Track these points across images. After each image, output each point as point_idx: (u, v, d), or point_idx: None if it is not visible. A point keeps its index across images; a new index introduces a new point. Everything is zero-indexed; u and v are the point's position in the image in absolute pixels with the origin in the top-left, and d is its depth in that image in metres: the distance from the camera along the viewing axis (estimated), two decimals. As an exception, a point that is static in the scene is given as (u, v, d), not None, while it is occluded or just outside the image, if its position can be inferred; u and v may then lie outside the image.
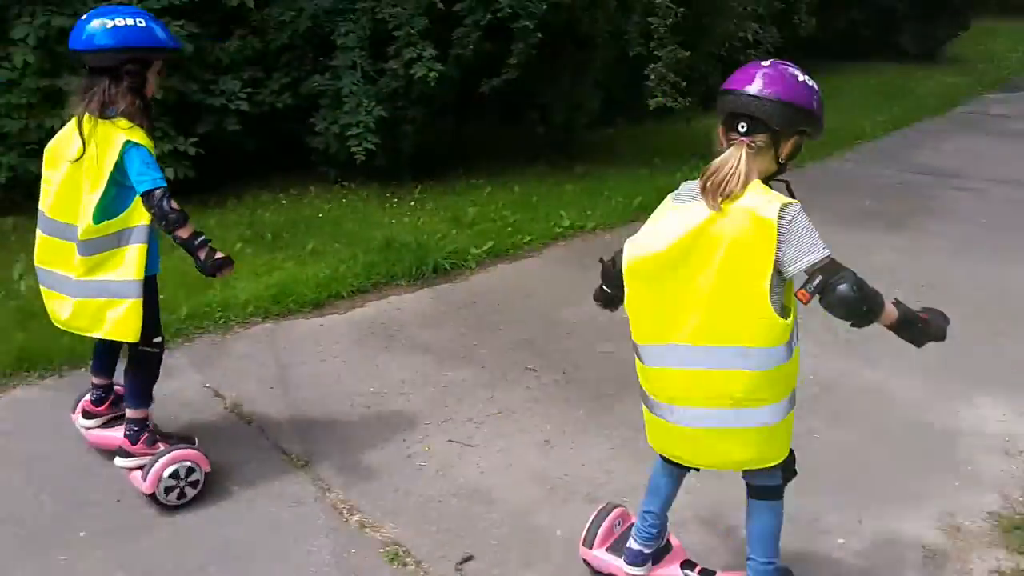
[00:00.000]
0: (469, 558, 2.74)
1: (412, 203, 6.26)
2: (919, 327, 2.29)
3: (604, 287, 2.64)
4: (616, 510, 2.72)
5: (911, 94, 12.84)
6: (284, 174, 6.70)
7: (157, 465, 2.87)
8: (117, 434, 3.10)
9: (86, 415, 3.22)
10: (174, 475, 2.88)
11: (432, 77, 6.02)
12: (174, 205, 2.70)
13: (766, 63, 2.14)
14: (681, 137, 8.50)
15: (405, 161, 6.60)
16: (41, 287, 2.96)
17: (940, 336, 2.34)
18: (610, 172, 7.35)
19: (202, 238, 2.75)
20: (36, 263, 2.94)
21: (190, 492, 2.93)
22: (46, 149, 2.87)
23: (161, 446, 2.99)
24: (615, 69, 7.28)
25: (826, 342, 4.31)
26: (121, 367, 3.14)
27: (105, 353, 3.19)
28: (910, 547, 2.83)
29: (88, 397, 3.23)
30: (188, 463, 2.92)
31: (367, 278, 4.91)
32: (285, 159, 6.72)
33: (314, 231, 5.60)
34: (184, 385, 3.77)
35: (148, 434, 3.02)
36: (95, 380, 3.21)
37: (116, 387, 3.24)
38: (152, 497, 2.90)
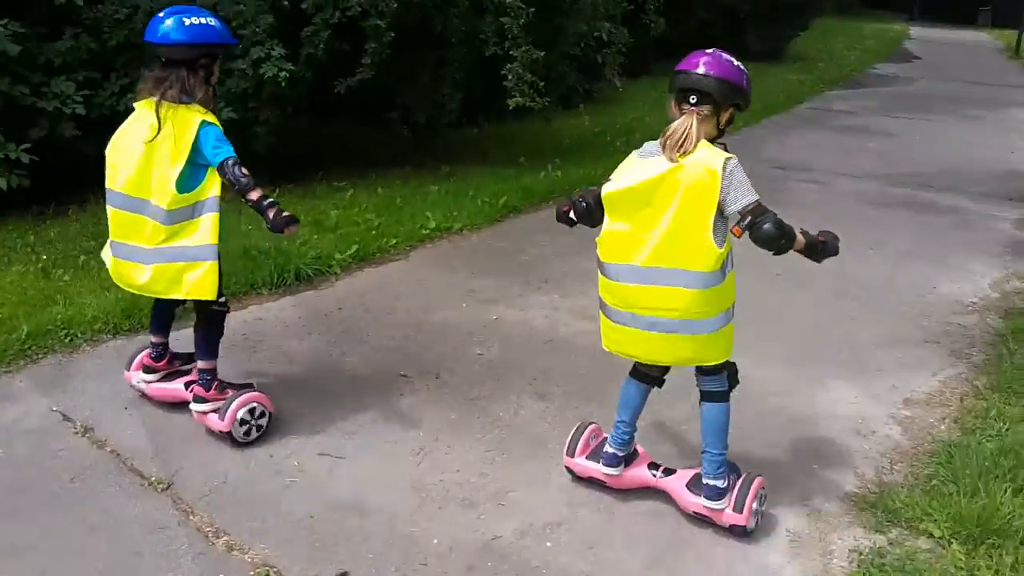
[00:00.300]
0: (344, 574, 2.64)
1: (271, 208, 6.01)
2: (819, 248, 2.89)
3: (578, 220, 2.96)
4: (590, 427, 3.24)
5: (759, 92, 13.39)
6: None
7: (232, 406, 3.27)
8: (177, 386, 3.51)
9: (147, 370, 3.57)
10: (249, 413, 3.30)
11: (283, 77, 5.82)
12: (244, 171, 3.07)
13: (708, 51, 2.71)
14: (544, 136, 8.59)
15: (260, 164, 6.31)
16: (113, 257, 3.27)
17: (835, 252, 2.95)
18: (475, 172, 7.32)
19: (270, 200, 3.10)
20: (112, 237, 3.24)
21: (256, 433, 3.33)
22: (114, 136, 3.18)
23: (229, 392, 3.37)
24: (475, 69, 7.26)
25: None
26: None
27: (162, 315, 3.57)
28: (775, 532, 2.92)
29: (148, 353, 3.57)
30: (257, 404, 3.33)
31: (225, 288, 4.64)
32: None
33: (166, 240, 5.27)
34: (28, 411, 3.49)
35: (218, 382, 3.42)
36: (154, 339, 3.57)
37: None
38: (228, 435, 3.26)
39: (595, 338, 4.33)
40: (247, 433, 3.31)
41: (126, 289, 3.36)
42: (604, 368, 4.03)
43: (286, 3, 5.86)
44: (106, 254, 3.34)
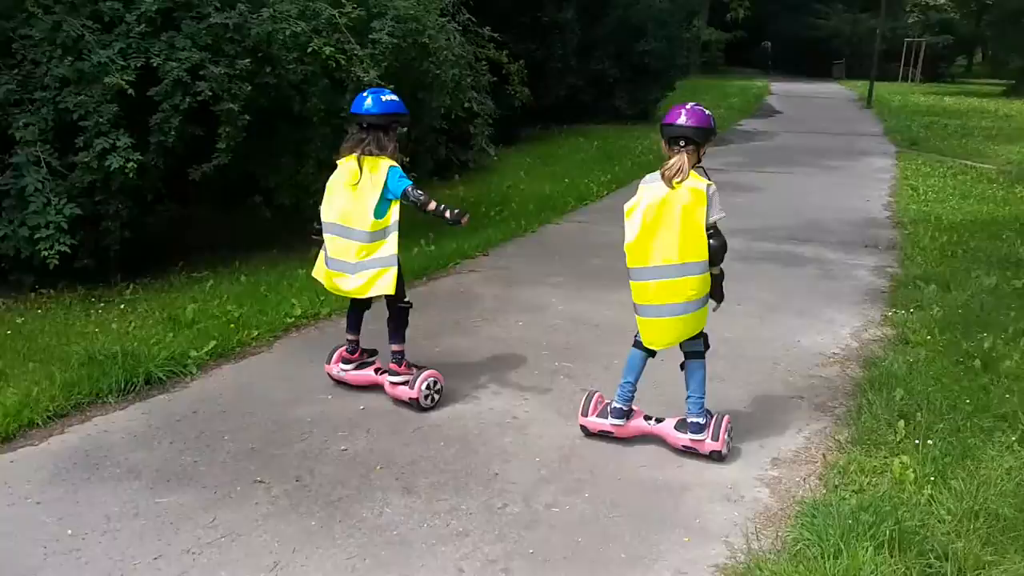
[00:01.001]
0: None
1: (122, 306, 5.66)
2: (719, 283, 3.86)
3: None
4: (596, 394, 4.18)
5: (630, 153, 13.83)
6: (-33, 285, 5.93)
7: (419, 379, 4.35)
8: (368, 372, 4.61)
9: (345, 362, 4.64)
10: (430, 386, 4.36)
11: (131, 168, 5.59)
12: (420, 192, 4.17)
13: (687, 106, 3.71)
14: (416, 210, 8.52)
15: (112, 260, 6.04)
16: (327, 269, 4.35)
17: (721, 298, 3.94)
18: (345, 252, 7.17)
19: (442, 205, 4.19)
20: (329, 255, 4.32)
21: (435, 400, 4.40)
22: (328, 184, 4.37)
23: (415, 369, 4.44)
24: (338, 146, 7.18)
25: (562, 410, 4.38)
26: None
27: (356, 316, 4.64)
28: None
29: (344, 348, 4.64)
30: (435, 379, 4.41)
31: (67, 400, 4.30)
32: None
33: (2, 351, 4.87)
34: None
35: (406, 361, 4.50)
36: (349, 336, 4.65)
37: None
38: (415, 401, 4.31)
39: (469, 422, 4.25)
40: (429, 399, 4.37)
41: (335, 294, 4.57)
42: (474, 453, 3.93)
43: (130, 91, 5.64)
44: (318, 271, 4.46)
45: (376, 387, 4.56)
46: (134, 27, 5.91)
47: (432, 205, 4.17)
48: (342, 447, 4.00)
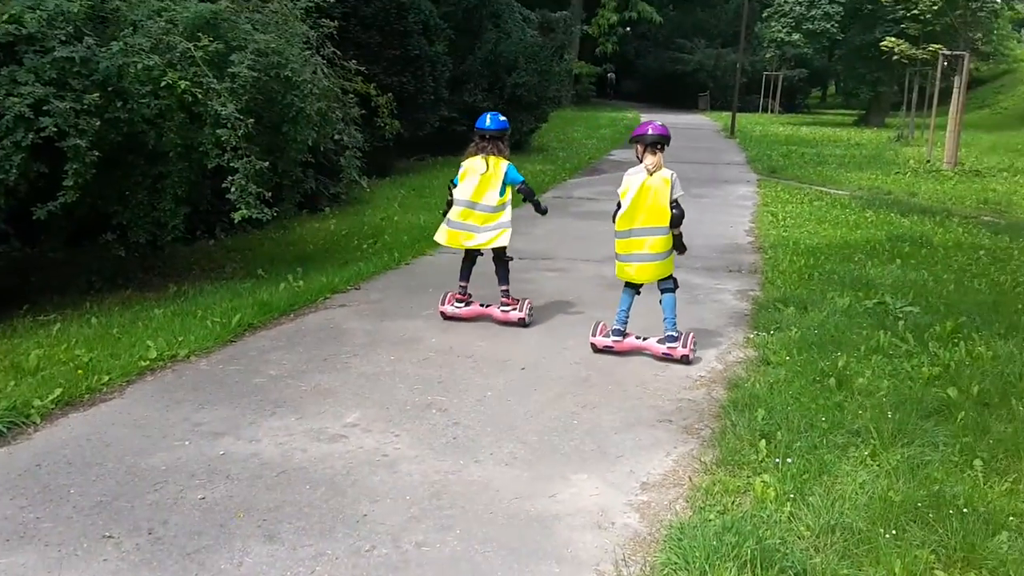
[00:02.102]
0: None
1: (-41, 354, 5.28)
2: (681, 240, 5.65)
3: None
4: (601, 323, 5.80)
5: (504, 183, 13.93)
6: None
7: (524, 304, 6.37)
8: (476, 307, 6.50)
9: (458, 302, 6.49)
10: (530, 311, 6.40)
11: None
12: (528, 187, 6.49)
13: (651, 122, 5.68)
14: (284, 244, 8.33)
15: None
16: (451, 230, 6.34)
17: (683, 250, 5.77)
18: (207, 289, 6.91)
19: (536, 197, 6.62)
20: (456, 219, 6.30)
21: (532, 316, 6.42)
22: (460, 174, 6.30)
23: (518, 301, 6.38)
24: (200, 181, 6.94)
25: (434, 445, 4.30)
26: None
27: (469, 268, 6.51)
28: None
29: (455, 293, 6.49)
30: (531, 304, 6.45)
31: (-103, 460, 3.96)
32: None
33: None
34: None
35: (510, 296, 6.40)
36: (461, 283, 6.50)
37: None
38: (523, 321, 6.30)
39: (336, 462, 4.11)
40: (529, 316, 6.35)
41: (457, 248, 6.50)
42: (341, 495, 3.79)
43: (-33, 128, 5.29)
44: (440, 234, 6.49)
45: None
46: None
47: (533, 195, 6.62)
48: (199, 495, 3.79)
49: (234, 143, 6.35)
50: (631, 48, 44.23)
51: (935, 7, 17.31)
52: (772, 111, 38.84)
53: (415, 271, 8.15)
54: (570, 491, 3.86)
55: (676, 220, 5.49)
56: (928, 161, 17.16)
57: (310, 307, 6.76)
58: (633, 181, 5.52)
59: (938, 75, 18.13)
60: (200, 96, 6.39)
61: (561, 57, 22.45)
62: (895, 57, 17.86)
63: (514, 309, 6.34)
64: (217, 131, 6.36)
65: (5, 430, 4.31)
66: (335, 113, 7.90)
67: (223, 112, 6.34)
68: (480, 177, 6.18)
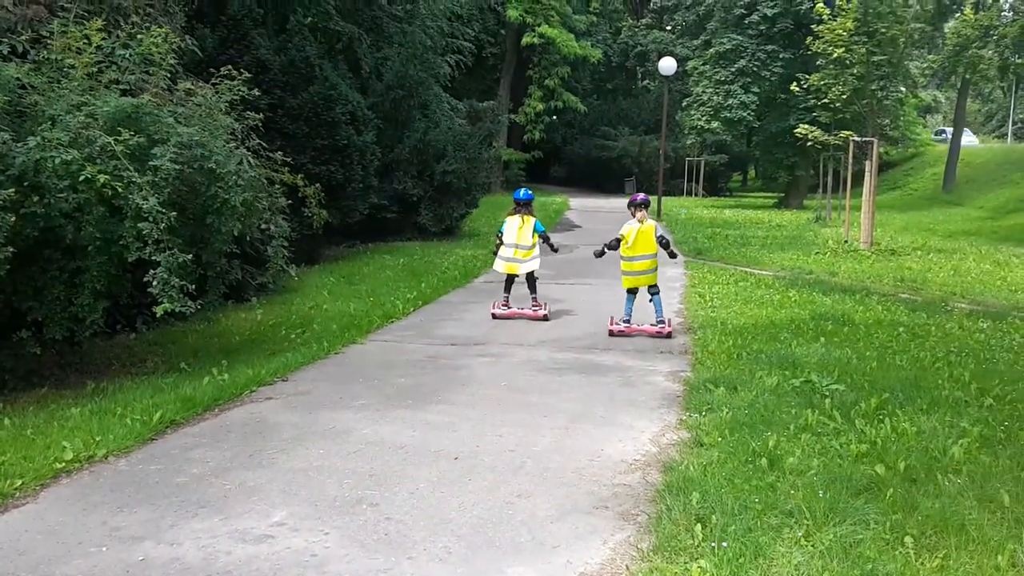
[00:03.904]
0: None
1: None
2: (672, 253, 9.96)
3: (603, 254, 9.62)
4: (612, 317, 9.40)
5: (436, 269, 13.99)
6: None
7: (544, 306, 10.24)
8: (515, 309, 10.24)
9: (502, 308, 10.16)
10: (549, 310, 10.29)
11: None
12: (546, 234, 10.40)
13: (638, 194, 9.76)
14: (210, 336, 8.14)
15: None
16: (506, 262, 10.14)
17: (674, 257, 10.23)
18: (128, 385, 6.69)
19: (552, 240, 10.72)
20: (507, 255, 10.11)
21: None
22: (506, 223, 10.22)
23: (544, 305, 10.25)
24: (120, 274, 6.78)
25: (366, 542, 4.16)
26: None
27: (509, 285, 10.26)
28: None
29: (502, 302, 10.21)
30: (548, 307, 10.33)
31: None
32: None
33: None
34: None
35: (537, 301, 10.25)
36: (506, 294, 10.24)
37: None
38: (546, 317, 10.05)
39: (263, 564, 3.92)
40: (548, 312, 10.09)
41: (510, 273, 10.17)
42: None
43: None
44: (498, 264, 10.21)
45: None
46: None
47: (552, 242, 10.49)
48: (116, 606, 3.58)
49: (156, 236, 6.25)
50: (558, 135, 45.43)
51: (844, 96, 18.25)
52: (696, 194, 40.12)
53: (345, 360, 8.02)
54: (508, 585, 3.76)
55: (666, 244, 9.41)
56: (846, 241, 17.83)
57: (235, 401, 6.57)
58: (633, 227, 9.30)
59: (850, 159, 19.02)
60: (120, 189, 6.29)
61: (490, 145, 22.91)
62: (809, 143, 18.69)
63: (540, 309, 10.13)
64: (139, 224, 6.26)
65: (-99, 544, 4.03)
66: (261, 203, 7.86)
67: (144, 205, 6.24)
68: (518, 229, 10.02)
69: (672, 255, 9.81)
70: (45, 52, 7.20)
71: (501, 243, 10.13)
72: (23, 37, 7.05)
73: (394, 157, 18.38)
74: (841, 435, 5.54)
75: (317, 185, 10.07)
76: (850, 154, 18.63)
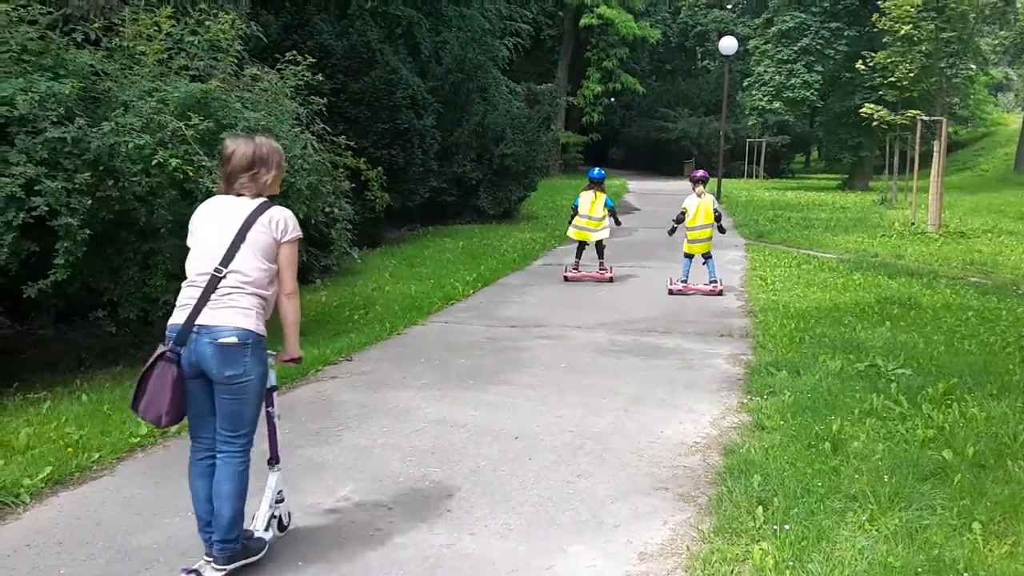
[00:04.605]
0: None
1: (-53, 433, 5.24)
2: (722, 228, 11.53)
3: (675, 230, 11.26)
4: (671, 277, 11.05)
5: (495, 252, 14.06)
6: None
7: (611, 269, 11.82)
8: (586, 273, 11.75)
9: (574, 271, 11.79)
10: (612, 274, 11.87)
11: None
12: (614, 208, 12.05)
13: (698, 171, 11.53)
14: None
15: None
16: (578, 230, 11.70)
17: (723, 231, 11.78)
18: (200, 364, 6.88)
19: (616, 215, 12.27)
20: (580, 224, 11.68)
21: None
22: (580, 196, 11.75)
23: (608, 268, 11.87)
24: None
25: (428, 518, 4.25)
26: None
27: (580, 252, 11.77)
28: None
29: (573, 266, 11.81)
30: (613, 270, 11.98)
31: None
32: None
33: None
34: None
35: (604, 265, 11.86)
36: (577, 260, 11.81)
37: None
38: (611, 279, 11.64)
39: (328, 537, 4.04)
40: (612, 279, 11.59)
41: (582, 240, 11.67)
42: (334, 571, 3.74)
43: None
44: (571, 231, 11.79)
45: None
46: None
47: (615, 213, 11.89)
48: (191, 573, 3.72)
49: None
50: (616, 117, 45.11)
51: (911, 74, 17.73)
52: (757, 176, 39.46)
53: (406, 341, 8.15)
54: (567, 563, 3.81)
55: (719, 218, 10.88)
56: (913, 223, 17.39)
57: (301, 380, 6.73)
58: (692, 201, 10.78)
59: (918, 140, 18.50)
60: (191, 173, 6.47)
61: (547, 127, 22.87)
62: (875, 123, 18.21)
63: (607, 272, 11.64)
64: None
65: (-6, 510, 4.26)
66: (325, 187, 8.00)
67: (214, 189, 6.39)
68: (591, 203, 11.52)
69: (721, 230, 11.09)
70: (117, 39, 7.40)
71: (575, 214, 11.69)
72: (96, 25, 7.26)
73: (453, 140, 18.48)
74: (907, 420, 5.45)
75: (379, 168, 10.22)
76: (918, 134, 18.12)
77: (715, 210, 10.76)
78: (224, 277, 3.45)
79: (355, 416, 5.83)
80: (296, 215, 7.38)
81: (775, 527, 3.96)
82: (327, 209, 8.59)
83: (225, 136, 6.92)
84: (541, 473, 4.84)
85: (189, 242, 3.63)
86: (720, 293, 10.45)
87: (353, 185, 9.03)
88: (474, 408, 5.99)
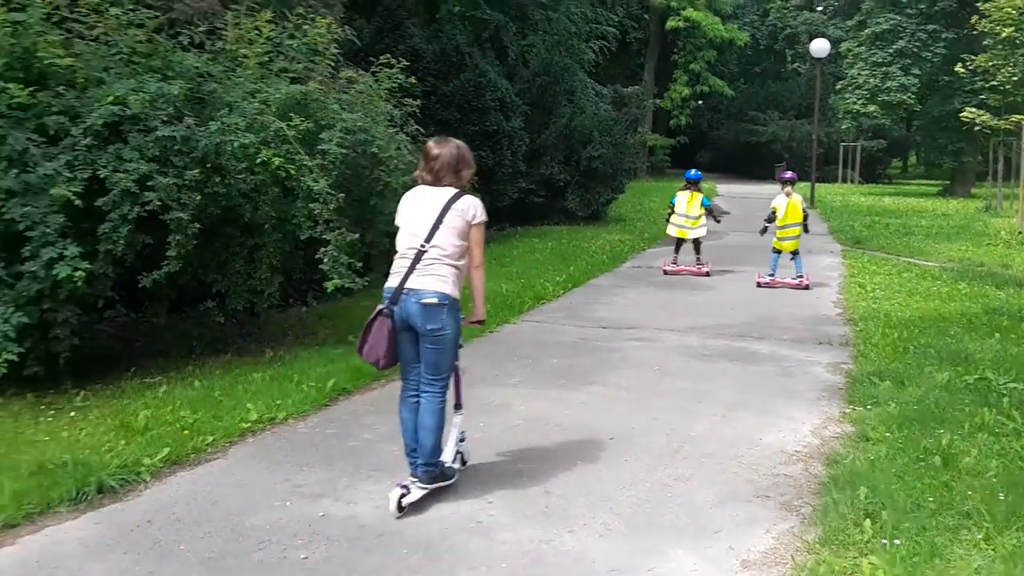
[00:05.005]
0: None
1: (72, 413, 5.51)
2: (807, 228, 12.22)
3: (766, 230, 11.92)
4: (759, 272, 11.65)
5: (584, 253, 14.05)
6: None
7: (707, 265, 12.46)
8: (683, 268, 12.41)
9: (672, 264, 12.47)
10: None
11: (79, 277, 5.56)
12: (711, 206, 12.92)
13: (787, 172, 12.37)
14: (371, 311, 8.49)
15: (64, 367, 5.88)
16: (678, 228, 12.45)
17: (807, 231, 12.31)
18: (302, 355, 7.10)
19: (713, 212, 13.22)
20: (679, 222, 12.42)
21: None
22: (677, 196, 12.60)
23: (705, 263, 12.54)
24: (293, 251, 7.21)
25: (527, 513, 4.30)
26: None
27: (678, 248, 12.57)
28: None
29: (672, 260, 12.52)
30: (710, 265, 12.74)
31: (17, 509, 4.13)
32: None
33: (-51, 461, 4.70)
34: None
35: (700, 261, 12.58)
36: (675, 256, 12.56)
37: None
38: (707, 274, 12.22)
39: (432, 527, 4.13)
40: (709, 273, 12.24)
41: (681, 237, 12.43)
42: (438, 560, 3.81)
43: (78, 202, 5.64)
44: (671, 229, 12.53)
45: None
46: (80, 140, 5.95)
47: (711, 210, 12.72)
48: (302, 555, 3.86)
49: (326, 216, 6.60)
50: (704, 120, 44.50)
51: (1014, 78, 17.02)
52: (852, 181, 38.37)
53: (499, 339, 8.23)
54: (668, 566, 3.80)
55: (806, 216, 11.50)
56: (1020, 232, 16.68)
57: (395, 376, 6.83)
58: (782, 201, 11.41)
59: (1023, 145, 17.74)
60: (293, 172, 6.67)
61: (635, 130, 22.75)
62: (976, 128, 17.54)
63: (703, 267, 12.25)
64: (309, 205, 6.62)
65: (118, 486, 4.49)
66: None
67: (315, 187, 6.59)
68: (687, 202, 12.26)
69: (806, 229, 11.72)
70: (220, 43, 7.67)
71: (672, 212, 12.48)
72: (200, 29, 7.54)
73: (541, 143, 18.55)
74: (1022, 437, 5.25)
75: (471, 170, 10.29)
76: (1023, 139, 17.37)
77: (803, 210, 11.46)
78: (427, 251, 4.28)
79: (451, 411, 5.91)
80: (391, 214, 7.59)
81: (884, 541, 3.87)
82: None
83: (324, 136, 7.19)
84: (638, 474, 4.84)
85: (397, 222, 4.50)
86: (807, 287, 11.04)
87: (447, 185, 9.17)
88: (567, 407, 6.02)
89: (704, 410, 5.98)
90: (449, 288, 4.34)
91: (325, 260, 6.67)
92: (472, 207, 4.38)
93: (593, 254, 14.03)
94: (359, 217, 7.55)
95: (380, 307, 4.36)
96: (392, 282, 4.38)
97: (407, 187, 8.00)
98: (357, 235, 6.98)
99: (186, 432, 5.18)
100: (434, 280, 4.30)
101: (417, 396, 4.46)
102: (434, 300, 4.28)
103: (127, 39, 6.80)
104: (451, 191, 4.38)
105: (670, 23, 37.23)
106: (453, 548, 3.96)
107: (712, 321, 9.04)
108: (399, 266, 4.39)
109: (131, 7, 7.01)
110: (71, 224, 5.73)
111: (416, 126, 9.27)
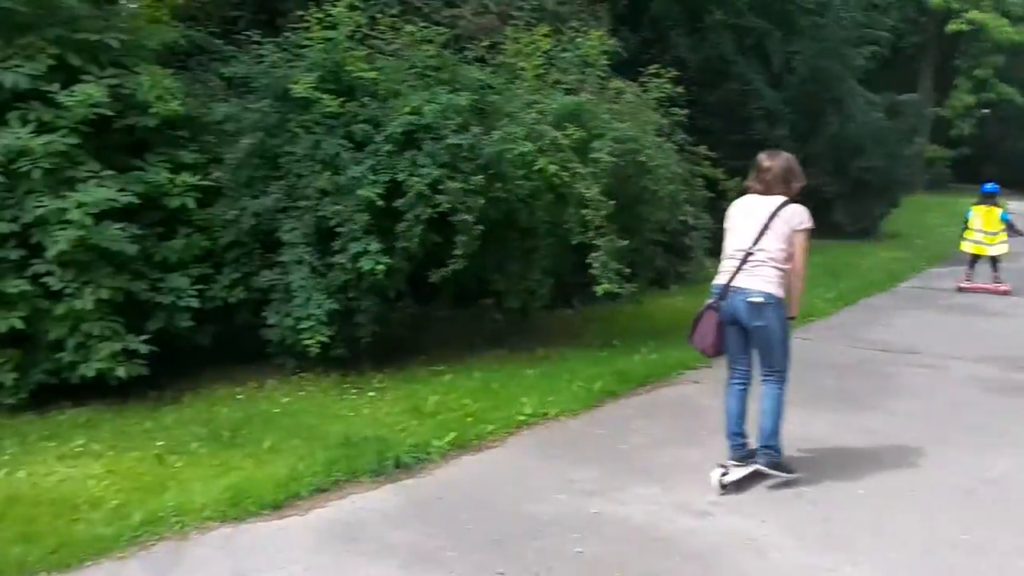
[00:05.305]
0: None
1: (372, 394, 6.10)
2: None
3: None
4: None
5: (856, 270, 13.28)
6: (243, 365, 6.60)
7: (1007, 284, 11.34)
8: (983, 285, 11.53)
9: (966, 281, 11.65)
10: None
11: (380, 270, 6.14)
12: (1011, 221, 11.83)
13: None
14: (637, 317, 8.58)
15: (364, 350, 6.52)
16: (975, 245, 11.75)
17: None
18: (570, 355, 7.32)
19: (1017, 226, 11.92)
20: (975, 238, 11.70)
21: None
22: (971, 212, 11.86)
23: (1003, 282, 11.42)
24: (563, 255, 7.47)
25: (804, 537, 4.15)
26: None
27: (974, 262, 11.72)
28: None
29: (964, 276, 11.78)
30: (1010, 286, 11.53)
31: (327, 476, 4.64)
32: (243, 350, 6.64)
33: (272, 426, 5.36)
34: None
35: (999, 279, 11.54)
36: (969, 272, 11.71)
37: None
38: (1008, 292, 11.25)
39: (705, 538, 4.11)
40: (1009, 291, 11.17)
41: (979, 254, 11.75)
42: (714, 573, 3.79)
43: (380, 203, 6.21)
44: (966, 245, 11.75)
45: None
46: (382, 146, 6.51)
47: (1012, 226, 11.63)
48: (577, 549, 3.98)
49: (597, 222, 6.75)
50: (992, 131, 40.40)
51: None
52: None
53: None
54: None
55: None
56: None
57: (663, 381, 6.90)
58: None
59: None
60: (567, 179, 6.88)
61: (911, 140, 21.14)
62: None
63: (1002, 285, 11.36)
64: (581, 211, 6.80)
65: (413, 463, 4.90)
66: (683, 195, 8.15)
67: (587, 194, 6.76)
68: (984, 217, 11.60)
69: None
70: (500, 56, 8.05)
71: (967, 227, 11.84)
72: (482, 44, 7.96)
73: (807, 152, 17.74)
74: None
75: (737, 178, 10.08)
76: None
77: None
78: (753, 254, 4.61)
79: (719, 423, 5.82)
80: (658, 221, 7.63)
81: None
82: (681, 217, 8.67)
83: (595, 145, 7.35)
84: (928, 511, 4.50)
85: (726, 226, 4.86)
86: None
87: (711, 195, 9.04)
88: (846, 431, 5.74)
89: (1004, 450, 5.44)
90: (774, 288, 4.62)
91: (595, 265, 6.82)
92: (798, 214, 4.68)
93: (866, 272, 13.22)
94: (626, 224, 7.65)
95: (709, 301, 4.79)
96: (720, 280, 4.77)
97: (673, 195, 8.11)
98: (626, 241, 7.09)
99: (469, 419, 5.54)
100: (760, 280, 4.61)
101: (742, 385, 4.87)
102: (760, 299, 4.60)
103: (419, 54, 7.35)
104: (779, 199, 4.68)
105: (951, 26, 34.19)
106: (727, 563, 3.91)
107: (1008, 352, 8.17)
108: (728, 266, 4.74)
109: (423, 25, 7.58)
110: (374, 222, 6.31)
111: (684, 135, 9.24)
